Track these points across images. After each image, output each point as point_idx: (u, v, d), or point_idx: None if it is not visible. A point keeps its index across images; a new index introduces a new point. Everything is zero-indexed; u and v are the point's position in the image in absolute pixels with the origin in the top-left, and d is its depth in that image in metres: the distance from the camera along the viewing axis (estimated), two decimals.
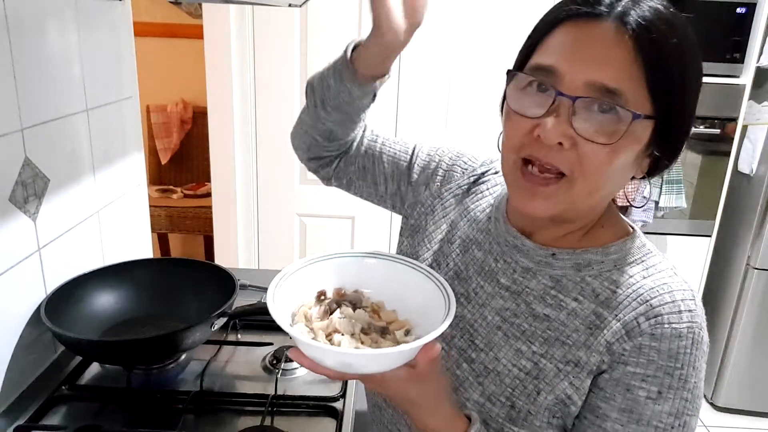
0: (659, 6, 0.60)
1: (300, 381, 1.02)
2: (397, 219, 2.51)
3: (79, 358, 1.04)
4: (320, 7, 2.08)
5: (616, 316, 0.66)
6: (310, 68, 2.14)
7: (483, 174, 0.84)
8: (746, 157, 2.34)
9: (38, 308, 0.97)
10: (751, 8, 2.14)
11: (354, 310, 0.69)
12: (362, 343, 0.64)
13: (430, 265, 0.81)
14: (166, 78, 2.84)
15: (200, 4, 2.52)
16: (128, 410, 0.93)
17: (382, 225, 2.34)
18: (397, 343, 0.65)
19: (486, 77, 2.17)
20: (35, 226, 0.98)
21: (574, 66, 0.60)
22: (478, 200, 0.82)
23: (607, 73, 0.58)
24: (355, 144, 0.91)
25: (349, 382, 1.00)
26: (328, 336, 0.65)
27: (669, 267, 0.69)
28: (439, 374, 0.65)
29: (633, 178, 0.67)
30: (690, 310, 0.64)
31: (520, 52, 0.68)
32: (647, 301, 0.65)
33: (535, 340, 0.70)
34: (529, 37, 0.66)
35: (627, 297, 0.66)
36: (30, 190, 0.96)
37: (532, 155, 0.63)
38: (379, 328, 0.67)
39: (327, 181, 0.94)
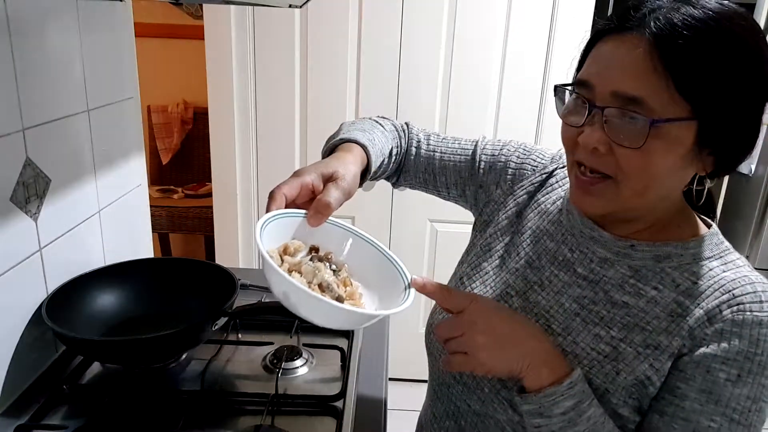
0: (694, 11, 0.61)
1: (300, 380, 1.03)
2: (397, 219, 2.52)
3: (80, 358, 1.04)
4: (320, 8, 2.08)
5: (699, 304, 0.69)
6: (311, 68, 2.14)
7: (554, 170, 0.89)
8: None
9: (39, 308, 0.98)
10: (750, 8, 2.14)
11: (333, 273, 0.75)
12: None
13: (502, 256, 0.86)
14: (167, 78, 2.85)
15: (201, 5, 2.53)
16: (129, 410, 0.93)
17: (382, 225, 2.35)
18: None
19: (486, 73, 2.18)
20: (36, 226, 0.99)
21: (602, 78, 0.66)
22: (548, 193, 0.87)
23: (628, 83, 0.63)
24: (411, 159, 0.98)
25: (349, 382, 1.00)
26: (290, 271, 0.70)
27: (746, 264, 0.73)
28: (485, 307, 0.72)
29: (703, 178, 0.71)
30: None
31: (576, 67, 0.74)
32: (730, 291, 0.68)
33: (613, 325, 0.73)
34: (581, 53, 0.73)
35: (709, 287, 0.70)
36: (31, 190, 0.97)
37: (580, 159, 0.70)
38: (336, 294, 0.71)
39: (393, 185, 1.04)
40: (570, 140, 0.71)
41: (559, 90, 0.73)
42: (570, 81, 0.73)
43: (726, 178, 2.29)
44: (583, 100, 0.68)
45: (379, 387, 1.04)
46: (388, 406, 1.01)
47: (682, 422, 0.67)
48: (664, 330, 0.70)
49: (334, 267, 0.76)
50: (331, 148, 0.87)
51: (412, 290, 0.72)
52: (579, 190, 0.72)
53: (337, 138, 0.88)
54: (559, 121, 0.73)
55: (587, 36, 0.72)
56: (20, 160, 0.94)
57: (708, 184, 0.73)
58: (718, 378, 0.66)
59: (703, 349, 0.67)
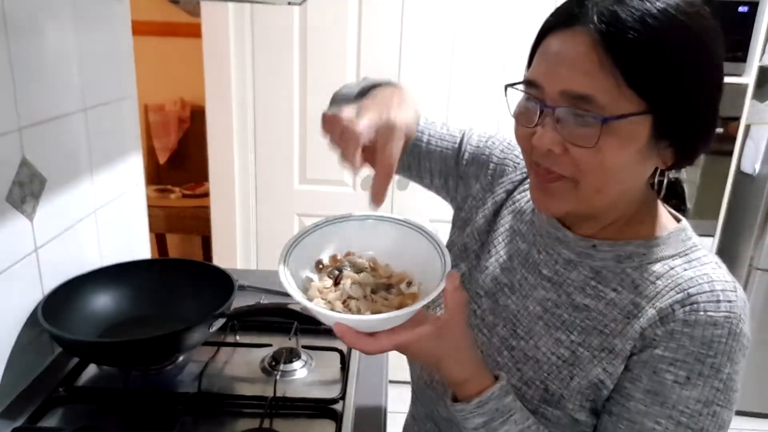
0: (643, 4, 0.59)
1: (299, 383, 1.02)
2: None
3: (76, 360, 1.04)
4: (320, 5, 2.07)
5: (653, 304, 0.67)
6: (310, 66, 2.13)
7: None
8: (749, 157, 2.33)
9: (35, 309, 0.97)
10: (753, 7, 2.13)
11: (358, 272, 0.71)
12: (374, 302, 0.67)
13: (477, 255, 0.84)
14: (165, 77, 2.83)
15: (199, 3, 2.52)
16: (126, 412, 0.92)
17: None
18: (402, 294, 0.68)
19: (486, 73, 2.17)
20: (32, 226, 0.98)
21: (549, 77, 0.64)
22: (524, 191, 0.85)
23: (576, 81, 0.61)
24: None
25: (348, 384, 1.00)
26: (344, 303, 0.68)
27: (713, 261, 0.69)
28: (464, 322, 0.66)
29: (663, 170, 0.69)
30: (729, 301, 0.65)
31: (527, 65, 0.71)
32: (685, 290, 0.66)
33: (574, 329, 0.72)
34: (531, 49, 0.70)
35: (665, 287, 0.67)
36: (27, 189, 0.96)
37: (536, 159, 0.68)
38: (383, 285, 0.69)
39: None
40: (525, 140, 0.68)
41: (509, 89, 0.70)
42: (522, 79, 0.70)
43: (730, 178, 2.29)
44: (534, 100, 0.65)
45: (379, 389, 1.04)
46: (388, 409, 1.01)
47: (627, 423, 0.66)
48: (620, 333, 0.68)
49: (370, 276, 0.71)
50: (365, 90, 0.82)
51: (444, 280, 0.66)
52: (539, 190, 0.70)
53: (370, 83, 0.84)
54: None
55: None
56: (16, 159, 0.93)
57: (672, 174, 0.72)
58: (664, 379, 0.65)
59: (650, 350, 0.66)
